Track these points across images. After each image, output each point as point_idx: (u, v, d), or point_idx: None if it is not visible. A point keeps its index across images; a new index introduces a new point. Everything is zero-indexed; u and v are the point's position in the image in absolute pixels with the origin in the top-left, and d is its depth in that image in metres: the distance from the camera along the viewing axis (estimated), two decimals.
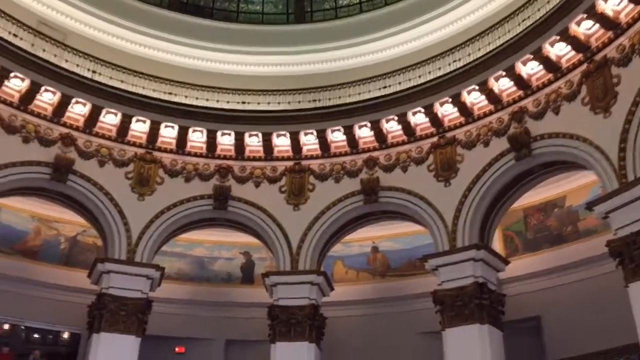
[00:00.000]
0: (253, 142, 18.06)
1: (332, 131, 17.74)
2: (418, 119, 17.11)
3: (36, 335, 17.73)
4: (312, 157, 18.01)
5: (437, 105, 16.69)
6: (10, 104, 15.97)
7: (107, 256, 16.55)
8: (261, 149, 18.09)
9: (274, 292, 16.82)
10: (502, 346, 14.91)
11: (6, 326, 17.56)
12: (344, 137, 17.74)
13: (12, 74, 15.69)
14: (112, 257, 16.47)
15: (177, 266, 19.67)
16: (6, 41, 15.48)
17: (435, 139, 16.93)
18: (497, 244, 17.65)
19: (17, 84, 15.94)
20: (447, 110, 16.77)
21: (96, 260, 16.58)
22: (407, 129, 17.20)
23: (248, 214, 17.68)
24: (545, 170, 15.59)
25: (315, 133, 17.77)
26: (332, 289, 17.73)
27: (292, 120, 17.83)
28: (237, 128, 17.85)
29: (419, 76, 17.08)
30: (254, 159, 18.16)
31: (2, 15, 15.79)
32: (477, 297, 14.83)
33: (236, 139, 17.93)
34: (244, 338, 18.99)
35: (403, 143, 17.35)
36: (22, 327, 17.53)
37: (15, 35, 15.94)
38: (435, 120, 16.87)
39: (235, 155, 18.09)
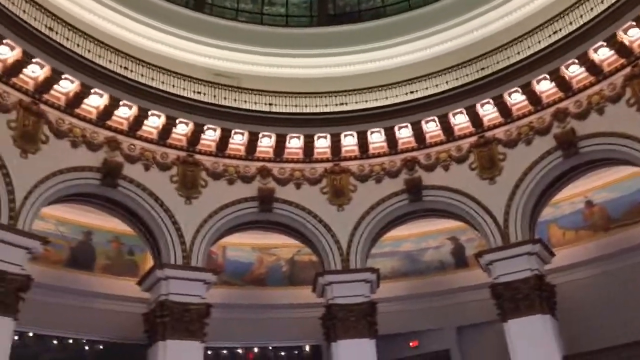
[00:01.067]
0: (431, 127, 17.89)
1: (510, 94, 16.94)
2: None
3: (282, 353, 19.43)
4: (495, 127, 17.34)
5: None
6: (211, 154, 17.78)
7: (324, 269, 17.54)
8: (440, 132, 17.87)
9: (491, 270, 16.43)
10: None
11: (255, 350, 19.42)
12: (524, 97, 16.86)
13: (205, 127, 17.46)
14: (329, 269, 17.42)
15: (390, 265, 20.10)
16: (196, 100, 17.32)
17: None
18: None
19: (211, 135, 17.67)
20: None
21: (316, 275, 17.64)
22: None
23: (444, 199, 17.57)
24: None
25: (492, 101, 17.14)
26: (552, 254, 16.85)
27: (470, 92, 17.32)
28: (413, 119, 17.83)
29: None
30: (436, 144, 17.95)
31: (185, 77, 17.69)
32: None
33: (414, 130, 17.93)
34: (473, 322, 18.76)
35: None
36: (270, 348, 19.27)
37: (198, 93, 17.78)
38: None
39: (418, 145, 18.06)
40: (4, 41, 14.17)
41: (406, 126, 17.94)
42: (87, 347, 17.61)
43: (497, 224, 16.64)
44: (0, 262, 13.33)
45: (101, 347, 17.70)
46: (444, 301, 19.31)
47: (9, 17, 14.17)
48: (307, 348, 19.51)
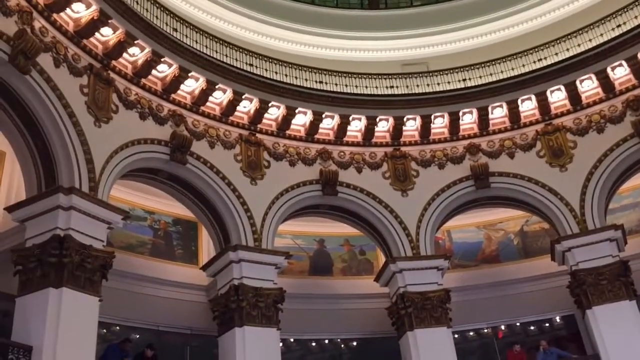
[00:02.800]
0: None
1: None
2: None
3: (532, 327, 18.65)
4: None
5: None
6: (416, 143, 18.03)
7: (559, 235, 16.57)
8: None
9: None
10: None
11: (503, 327, 18.95)
12: None
13: (405, 118, 17.70)
14: (565, 234, 16.41)
15: (635, 218, 18.16)
16: (391, 95, 17.81)
17: None
18: None
19: (412, 125, 17.85)
20: None
21: (552, 242, 16.76)
22: None
23: None
24: None
25: None
26: None
27: None
28: None
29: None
30: None
31: (374, 76, 18.19)
32: None
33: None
34: None
35: None
36: (517, 324, 18.66)
37: (390, 87, 18.15)
38: None
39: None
40: (190, 73, 15.74)
41: None
42: (342, 346, 18.80)
43: None
44: (257, 280, 14.94)
45: (355, 343, 18.75)
46: None
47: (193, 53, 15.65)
48: (558, 319, 18.50)
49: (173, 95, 15.49)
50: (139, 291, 15.76)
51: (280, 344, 15.61)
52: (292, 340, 18.10)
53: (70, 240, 11.90)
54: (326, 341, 18.78)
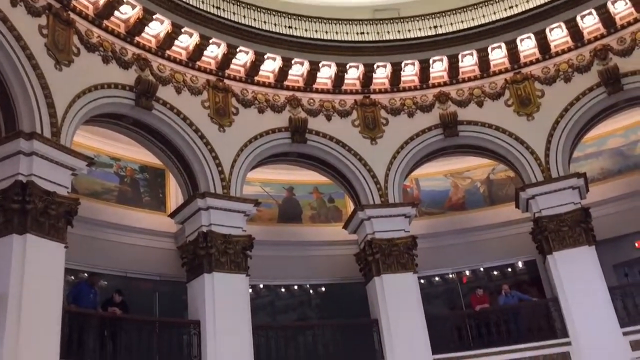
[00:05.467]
0: None
1: None
2: None
3: (495, 272, 19.22)
4: None
5: None
6: (387, 91, 17.93)
7: (524, 183, 16.88)
8: None
9: None
10: None
11: (467, 272, 19.50)
12: None
13: (375, 66, 17.50)
14: (529, 182, 16.72)
15: (598, 166, 18.65)
16: (361, 41, 17.52)
17: None
18: None
19: (382, 73, 17.71)
20: None
21: (517, 190, 17.06)
22: None
23: None
24: None
25: None
26: None
27: None
28: None
29: None
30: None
31: (344, 22, 17.79)
32: None
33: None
34: None
35: None
36: (481, 270, 19.20)
37: (361, 33, 17.85)
38: None
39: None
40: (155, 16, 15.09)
41: None
42: (311, 291, 19.13)
43: None
44: (225, 227, 14.87)
45: (323, 289, 19.10)
46: None
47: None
48: (520, 264, 19.09)
49: (137, 39, 14.98)
50: (107, 238, 15.63)
51: (250, 290, 15.76)
52: (261, 286, 18.30)
53: (32, 186, 11.64)
54: (295, 287, 19.05)
